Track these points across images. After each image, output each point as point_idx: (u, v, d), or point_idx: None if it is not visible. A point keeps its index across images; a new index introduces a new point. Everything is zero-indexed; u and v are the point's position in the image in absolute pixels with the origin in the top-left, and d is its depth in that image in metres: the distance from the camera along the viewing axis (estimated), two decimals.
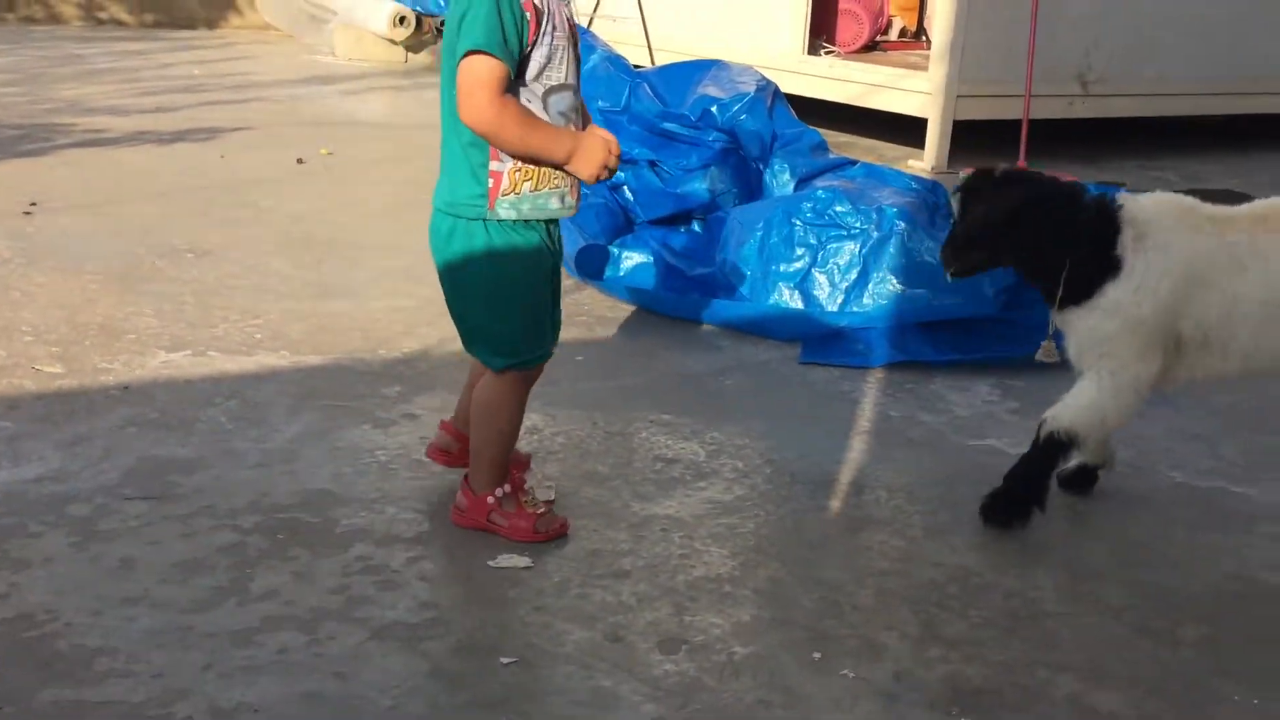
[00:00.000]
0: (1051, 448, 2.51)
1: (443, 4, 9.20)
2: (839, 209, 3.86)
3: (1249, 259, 2.44)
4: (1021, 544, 2.54)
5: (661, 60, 7.03)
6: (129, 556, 2.27)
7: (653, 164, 4.61)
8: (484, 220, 2.22)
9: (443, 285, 2.34)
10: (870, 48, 7.76)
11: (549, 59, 2.18)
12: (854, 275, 3.75)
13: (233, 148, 5.84)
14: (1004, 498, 2.57)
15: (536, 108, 2.19)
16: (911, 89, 6.66)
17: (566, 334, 3.59)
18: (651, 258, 4.06)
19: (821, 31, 7.54)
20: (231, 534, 2.37)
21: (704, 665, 2.04)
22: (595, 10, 8.47)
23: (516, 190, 2.21)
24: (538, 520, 2.41)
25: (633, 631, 2.13)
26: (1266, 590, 2.42)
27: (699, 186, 4.44)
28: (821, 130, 4.91)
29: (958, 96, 6.45)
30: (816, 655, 2.09)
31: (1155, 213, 2.48)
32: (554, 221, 2.31)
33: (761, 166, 4.42)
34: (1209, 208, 2.54)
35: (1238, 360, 2.49)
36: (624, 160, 4.64)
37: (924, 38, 8.11)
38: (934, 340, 3.62)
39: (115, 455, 2.67)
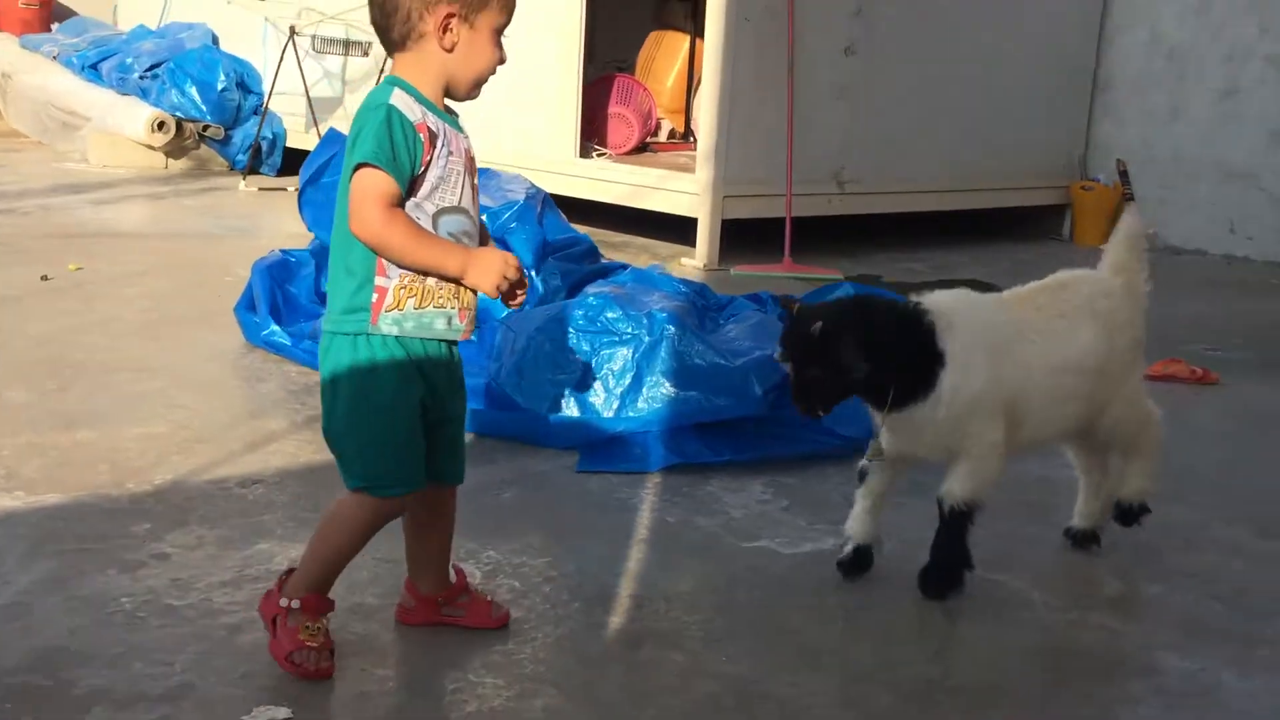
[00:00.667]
0: (956, 519, 2.79)
1: (205, 109, 8.95)
2: (610, 315, 3.90)
3: (1030, 332, 2.80)
4: (793, 649, 2.56)
5: None
6: None
7: None
8: (366, 335, 2.19)
9: (321, 402, 2.29)
10: (641, 149, 7.98)
11: (441, 180, 2.18)
12: (628, 380, 3.78)
13: None
14: (934, 571, 2.83)
15: (426, 225, 2.17)
16: (680, 189, 6.87)
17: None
18: None
19: (593, 134, 7.71)
20: None
21: None
22: None
23: (400, 306, 2.18)
24: (296, 651, 2.28)
25: None
26: (1019, 677, 2.52)
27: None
28: (598, 230, 5.00)
29: (725, 196, 6.69)
30: None
31: (951, 303, 2.78)
32: (446, 347, 2.27)
33: (534, 274, 4.43)
34: (988, 295, 2.94)
35: (1031, 429, 2.82)
36: None
37: (692, 139, 8.40)
38: (709, 441, 3.67)
39: None
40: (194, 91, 8.93)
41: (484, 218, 4.60)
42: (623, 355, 3.82)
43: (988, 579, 2.95)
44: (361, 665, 2.37)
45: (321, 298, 4.62)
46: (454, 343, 2.30)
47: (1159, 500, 3.09)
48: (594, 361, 3.83)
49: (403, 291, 2.18)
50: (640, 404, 3.74)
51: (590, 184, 7.27)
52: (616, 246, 6.89)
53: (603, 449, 3.64)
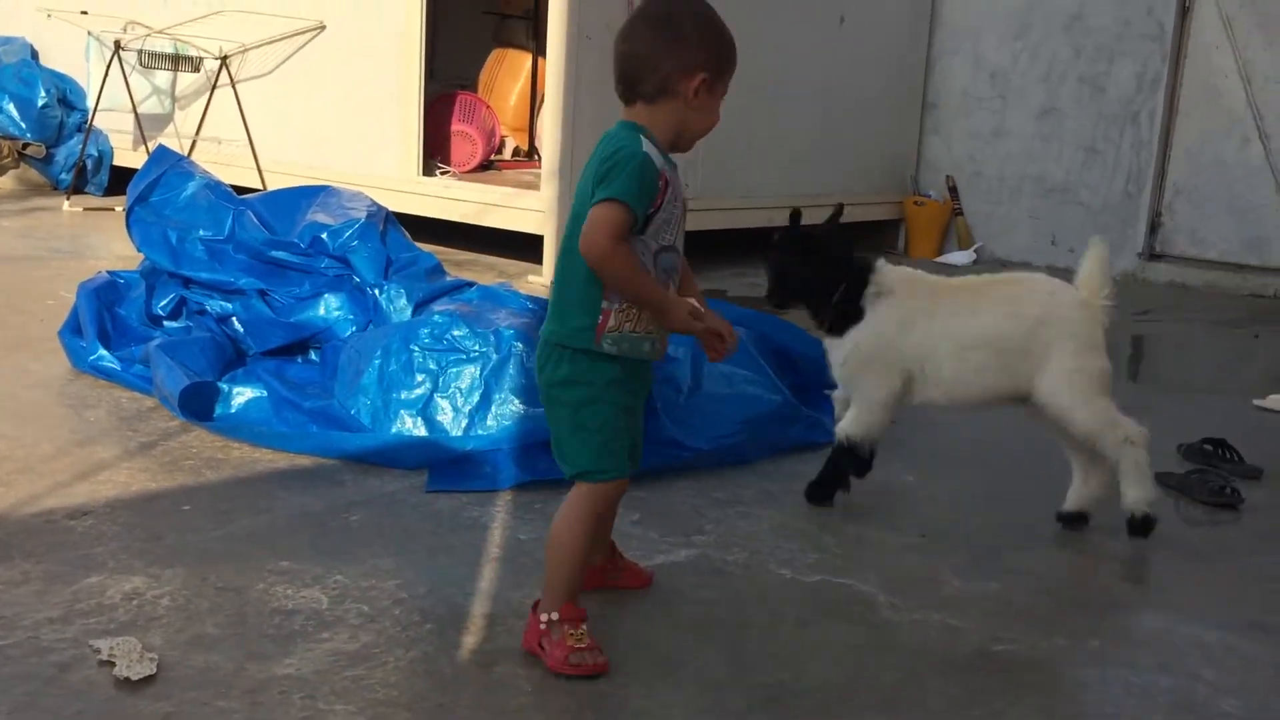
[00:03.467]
0: (840, 450, 3.46)
1: (24, 126, 8.53)
2: (457, 333, 3.86)
3: (946, 312, 3.34)
4: (648, 659, 2.57)
5: (273, 181, 6.83)
6: None
7: (263, 293, 4.44)
8: (588, 350, 2.47)
9: (543, 405, 2.59)
10: (486, 167, 7.94)
11: (665, 222, 2.46)
12: (476, 398, 3.75)
13: None
14: (814, 484, 3.51)
15: (647, 258, 2.46)
16: (526, 207, 6.86)
17: (171, 481, 3.37)
18: (266, 392, 3.87)
19: (436, 152, 7.64)
20: None
21: None
22: (198, 133, 8.16)
23: (619, 329, 2.47)
24: (571, 654, 2.47)
25: None
26: (867, 676, 2.59)
27: (313, 315, 4.32)
28: (443, 249, 4.95)
29: None
30: None
31: (897, 274, 3.38)
32: (644, 363, 2.58)
33: (377, 293, 4.35)
34: (935, 277, 3.46)
35: (943, 390, 3.35)
36: (231, 291, 4.48)
37: (536, 156, 8.41)
38: None
39: None
40: (12, 108, 8.51)
41: (325, 235, 4.52)
42: (470, 373, 3.78)
43: (835, 582, 3.02)
44: (203, 699, 2.28)
45: (153, 320, 4.45)
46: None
47: (998, 500, 3.23)
48: (441, 380, 3.78)
49: (622, 315, 2.47)
50: (489, 421, 3.71)
51: (435, 202, 7.20)
52: (463, 265, 6.83)
53: (452, 468, 3.59)
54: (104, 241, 6.86)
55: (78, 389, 4.12)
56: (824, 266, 3.37)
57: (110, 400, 4.03)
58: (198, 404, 3.79)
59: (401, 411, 3.75)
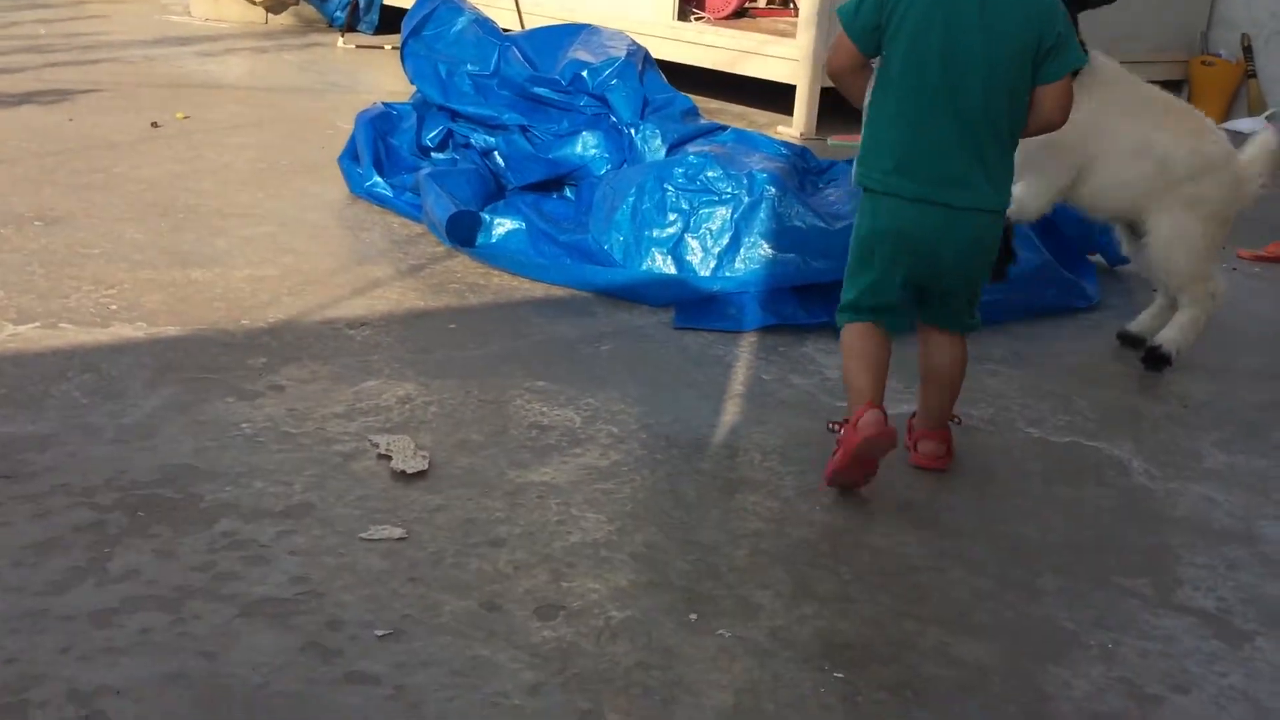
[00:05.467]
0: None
1: None
2: (710, 174, 3.88)
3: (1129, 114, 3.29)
4: (888, 503, 2.60)
5: (531, 25, 6.94)
6: None
7: (524, 129, 4.56)
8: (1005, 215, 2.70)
9: (959, 268, 2.64)
10: (740, 14, 7.79)
11: None
12: (726, 240, 3.78)
13: (82, 111, 5.57)
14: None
15: None
16: (779, 55, 6.71)
17: (438, 301, 3.58)
18: (524, 224, 4.02)
19: None
20: (88, 512, 2.28)
21: (581, 630, 2.05)
22: None
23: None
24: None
25: (509, 599, 2.12)
26: (1115, 539, 2.53)
27: (570, 152, 4.41)
28: (692, 96, 4.92)
29: (825, 64, 6.53)
30: (693, 616, 2.12)
31: (1112, 66, 3.33)
32: None
33: (633, 132, 4.40)
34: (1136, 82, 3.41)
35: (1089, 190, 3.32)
36: (494, 126, 4.63)
37: (792, 4, 8.18)
38: (805, 303, 3.66)
39: None
40: None
41: (586, 73, 4.59)
42: (721, 215, 3.80)
43: (1087, 445, 2.95)
44: (468, 496, 2.46)
45: (422, 150, 4.66)
46: None
47: (1270, 378, 3.05)
48: (692, 220, 3.83)
49: None
50: (738, 264, 3.74)
51: (688, 48, 7.14)
52: (712, 113, 6.78)
53: (699, 307, 3.66)
54: (374, 77, 7.17)
55: (354, 212, 4.39)
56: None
57: (383, 224, 4.28)
58: (462, 231, 3.98)
59: (653, 249, 3.83)
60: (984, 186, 2.55)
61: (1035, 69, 2.51)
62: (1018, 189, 3.21)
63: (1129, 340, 3.59)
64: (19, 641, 1.89)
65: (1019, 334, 3.70)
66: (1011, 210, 3.19)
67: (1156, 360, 3.43)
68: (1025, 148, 3.13)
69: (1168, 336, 3.42)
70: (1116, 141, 3.27)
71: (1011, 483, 2.75)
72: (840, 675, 2.00)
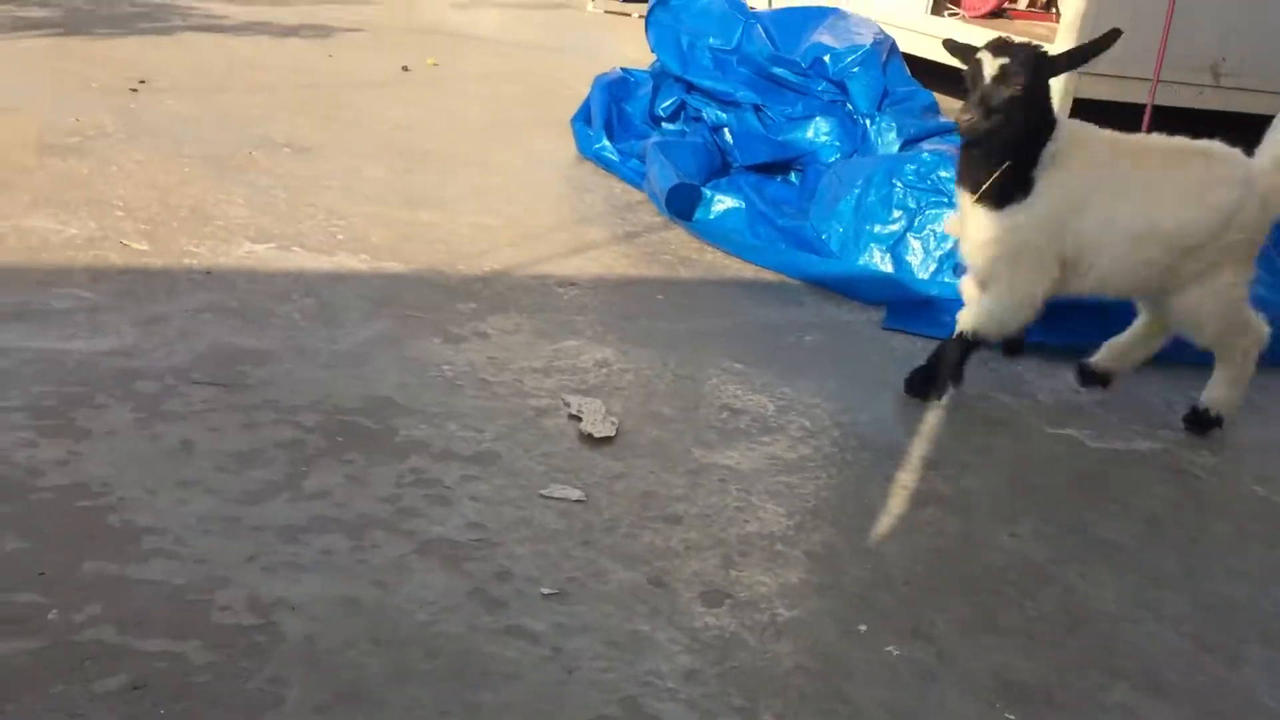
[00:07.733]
0: (960, 343, 2.95)
1: None
2: (943, 174, 3.73)
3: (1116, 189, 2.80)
4: (1087, 539, 2.45)
5: (780, 3, 6.86)
6: (189, 440, 2.29)
7: (757, 108, 4.52)
8: None
9: None
10: (997, 14, 7.49)
11: None
12: (949, 244, 3.63)
13: (342, 48, 5.84)
14: (921, 375, 2.99)
15: None
16: None
17: (649, 271, 3.58)
18: (743, 203, 3.98)
19: None
20: (292, 430, 2.38)
21: (746, 623, 2.01)
22: None
23: None
24: None
25: (677, 579, 2.10)
26: None
27: (800, 136, 4.34)
28: (936, 95, 4.76)
29: (1081, 73, 6.20)
30: (862, 627, 2.04)
31: (1080, 130, 2.92)
32: None
33: (868, 123, 4.29)
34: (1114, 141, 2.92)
35: (1094, 278, 2.86)
36: (728, 102, 4.59)
37: (1054, 10, 7.81)
38: None
39: (189, 338, 2.70)
40: None
41: (827, 58, 4.49)
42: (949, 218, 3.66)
43: None
44: (650, 469, 2.45)
45: (654, 119, 4.67)
46: None
47: None
48: (917, 220, 3.70)
49: None
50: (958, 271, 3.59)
51: (938, 43, 6.90)
52: (951, 113, 6.56)
53: (912, 309, 3.54)
54: (615, 43, 7.24)
55: (579, 174, 4.44)
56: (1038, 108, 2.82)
57: (605, 188, 4.31)
58: (681, 203, 3.97)
59: (872, 244, 3.72)
60: None
61: None
62: (988, 303, 2.90)
63: (1087, 376, 3.16)
64: (212, 543, 1.99)
65: (1254, 383, 3.41)
66: (990, 329, 2.91)
67: (1204, 425, 3.01)
68: (988, 253, 2.85)
69: (1215, 398, 3.00)
70: (1112, 225, 2.79)
71: (1227, 540, 2.54)
72: (1011, 717, 1.89)
